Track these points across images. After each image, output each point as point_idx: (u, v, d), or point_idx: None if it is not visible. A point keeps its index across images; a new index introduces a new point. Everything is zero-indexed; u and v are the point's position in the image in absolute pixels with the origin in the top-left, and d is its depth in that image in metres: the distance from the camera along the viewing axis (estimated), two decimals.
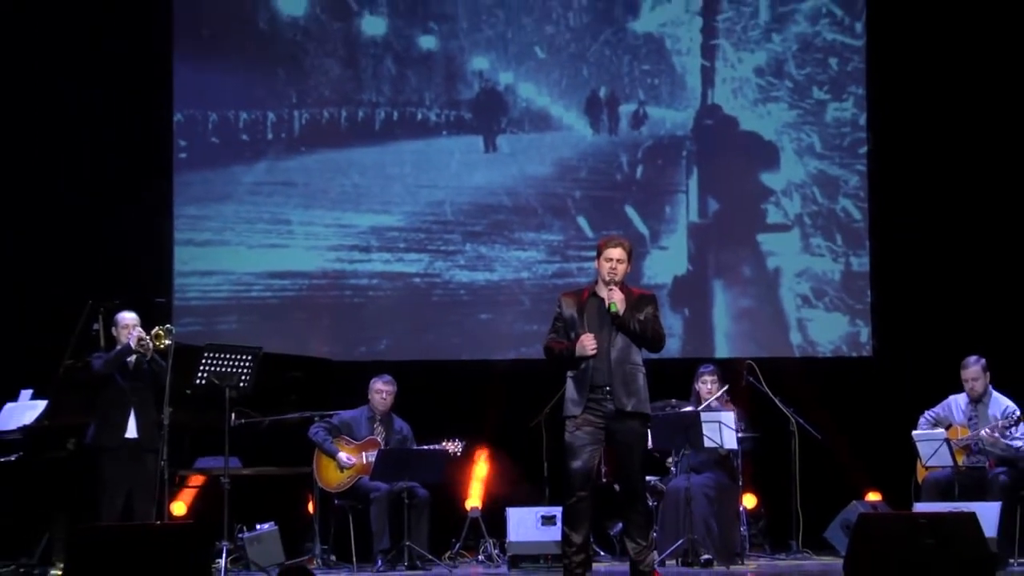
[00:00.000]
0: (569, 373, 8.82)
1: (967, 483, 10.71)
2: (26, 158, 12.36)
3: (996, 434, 10.67)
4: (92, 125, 12.41)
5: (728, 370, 11.47)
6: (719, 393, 11.09)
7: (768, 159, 12.79)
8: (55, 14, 12.37)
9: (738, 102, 12.83)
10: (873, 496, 11.68)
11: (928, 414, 11.05)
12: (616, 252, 8.80)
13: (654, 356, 8.99)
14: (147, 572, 7.52)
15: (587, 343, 8.68)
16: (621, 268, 8.80)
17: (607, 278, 8.80)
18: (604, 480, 10.36)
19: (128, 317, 10.36)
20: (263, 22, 12.87)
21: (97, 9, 12.42)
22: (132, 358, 10.19)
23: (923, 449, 10.82)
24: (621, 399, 8.73)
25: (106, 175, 12.42)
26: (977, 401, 10.92)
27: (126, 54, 12.51)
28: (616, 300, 8.73)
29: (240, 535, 10.93)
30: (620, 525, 10.67)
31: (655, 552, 9.11)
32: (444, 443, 11.18)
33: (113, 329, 10.44)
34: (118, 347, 10.25)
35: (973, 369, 10.89)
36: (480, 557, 11.40)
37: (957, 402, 11.02)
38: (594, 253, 8.92)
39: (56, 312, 11.10)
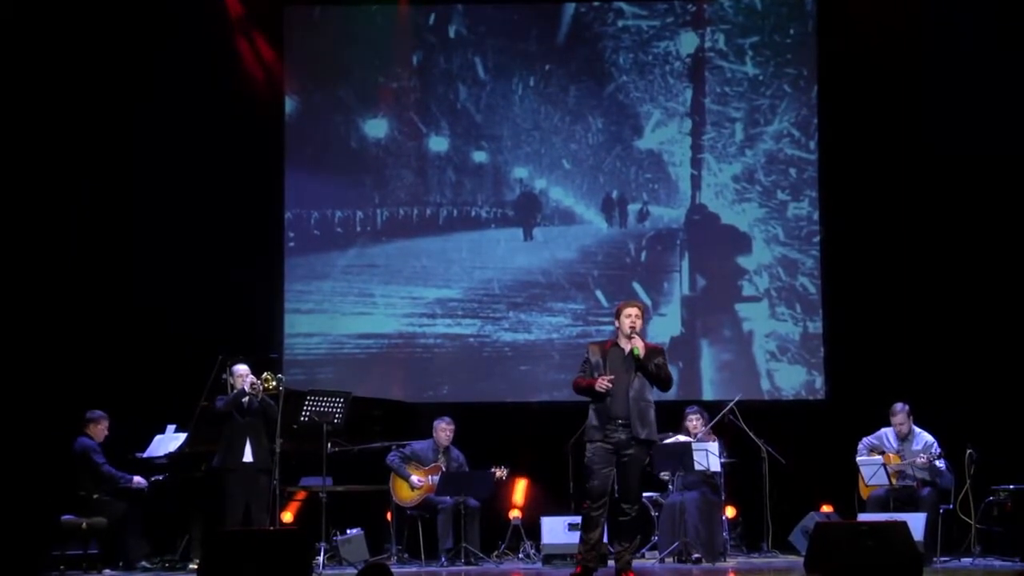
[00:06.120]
0: (592, 404, 8.80)
1: (900, 498, 10.64)
2: (172, 252, 12.37)
3: (929, 462, 10.59)
4: (223, 221, 12.40)
5: (713, 409, 11.41)
6: (707, 428, 11.05)
7: (743, 246, 12.71)
8: (199, 136, 12.41)
9: (719, 202, 12.76)
10: (826, 508, 11.50)
11: (865, 440, 10.98)
12: (634, 310, 8.87)
13: (661, 396, 8.99)
14: (263, 567, 7.51)
15: (602, 383, 8.66)
16: (639, 323, 8.84)
17: (627, 331, 8.79)
18: (617, 496, 10.28)
19: (241, 368, 10.41)
20: (354, 142, 12.91)
21: (230, 134, 12.40)
22: (246, 399, 10.22)
23: (865, 472, 10.80)
24: (636, 429, 8.68)
25: (233, 261, 12.39)
26: (903, 439, 10.85)
27: (250, 166, 12.55)
28: (639, 346, 8.74)
29: (334, 538, 10.88)
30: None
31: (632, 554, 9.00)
32: (493, 468, 11.18)
33: (230, 378, 10.49)
34: (235, 391, 10.32)
35: (900, 415, 10.85)
36: (520, 556, 11.30)
37: (888, 435, 10.94)
38: (609, 319, 8.90)
39: (195, 365, 11.06)
